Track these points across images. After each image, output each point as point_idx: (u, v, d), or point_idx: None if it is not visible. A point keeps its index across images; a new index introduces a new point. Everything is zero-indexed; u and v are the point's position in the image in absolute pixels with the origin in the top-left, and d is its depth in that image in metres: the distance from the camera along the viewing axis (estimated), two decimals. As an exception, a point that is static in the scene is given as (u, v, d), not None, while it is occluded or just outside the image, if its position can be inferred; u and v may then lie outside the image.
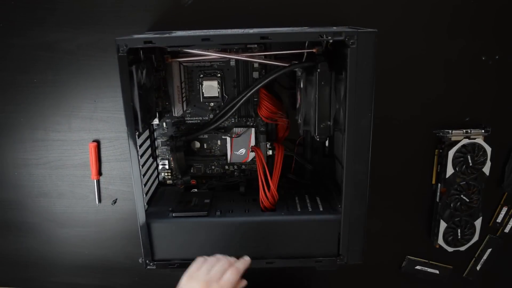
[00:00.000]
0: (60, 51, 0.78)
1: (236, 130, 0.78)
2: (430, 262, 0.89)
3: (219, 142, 0.81)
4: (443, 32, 0.76)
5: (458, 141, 0.79)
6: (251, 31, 0.64)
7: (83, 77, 0.79)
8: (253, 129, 0.78)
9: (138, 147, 0.65)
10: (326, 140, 0.79)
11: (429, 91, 0.79)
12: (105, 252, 0.90)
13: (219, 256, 0.64)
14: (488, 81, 0.79)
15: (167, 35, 0.63)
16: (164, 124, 0.79)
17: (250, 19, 0.75)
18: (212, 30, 0.68)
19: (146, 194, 0.72)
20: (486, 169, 0.80)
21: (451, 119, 0.80)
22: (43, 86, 0.80)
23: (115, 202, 0.87)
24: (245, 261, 0.65)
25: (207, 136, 0.81)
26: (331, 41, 0.62)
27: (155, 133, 0.80)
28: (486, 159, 0.79)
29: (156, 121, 0.75)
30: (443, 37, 0.76)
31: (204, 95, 0.76)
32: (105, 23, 0.76)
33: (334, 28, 0.63)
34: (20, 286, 0.94)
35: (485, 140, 0.79)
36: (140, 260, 0.70)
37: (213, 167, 0.82)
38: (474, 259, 0.89)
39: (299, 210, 0.72)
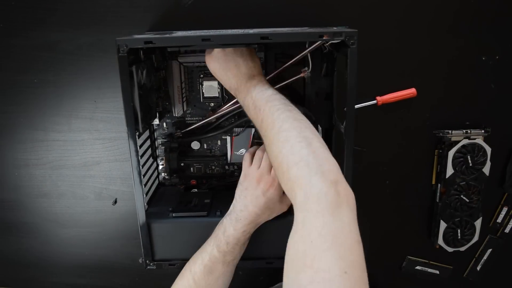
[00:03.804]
0: (60, 51, 0.78)
1: (236, 130, 0.78)
2: (430, 262, 0.89)
3: (219, 142, 0.81)
4: (443, 32, 0.76)
5: (458, 141, 0.79)
6: (251, 31, 0.64)
7: (84, 77, 0.79)
8: (253, 129, 0.78)
9: (138, 147, 0.65)
10: None
11: (429, 91, 0.79)
12: (105, 252, 0.90)
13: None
14: (488, 81, 0.79)
15: (167, 35, 0.63)
16: (164, 124, 0.79)
17: (250, 19, 0.75)
18: (212, 30, 0.68)
19: (146, 194, 0.72)
20: (486, 169, 0.80)
21: (451, 119, 0.80)
22: (44, 87, 0.80)
23: (115, 202, 0.87)
24: None
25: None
26: (329, 42, 0.62)
27: (155, 133, 0.80)
28: (486, 159, 0.79)
29: (156, 121, 0.75)
30: (444, 37, 0.76)
31: (204, 95, 0.76)
32: (105, 24, 0.76)
33: (334, 28, 0.63)
34: (20, 287, 0.94)
35: (485, 140, 0.79)
36: (140, 260, 0.70)
37: (213, 167, 0.82)
38: (474, 259, 0.89)
39: (299, 210, 0.72)
